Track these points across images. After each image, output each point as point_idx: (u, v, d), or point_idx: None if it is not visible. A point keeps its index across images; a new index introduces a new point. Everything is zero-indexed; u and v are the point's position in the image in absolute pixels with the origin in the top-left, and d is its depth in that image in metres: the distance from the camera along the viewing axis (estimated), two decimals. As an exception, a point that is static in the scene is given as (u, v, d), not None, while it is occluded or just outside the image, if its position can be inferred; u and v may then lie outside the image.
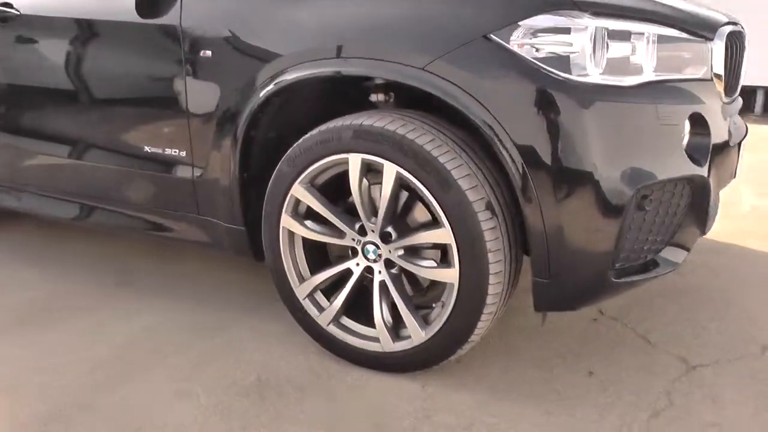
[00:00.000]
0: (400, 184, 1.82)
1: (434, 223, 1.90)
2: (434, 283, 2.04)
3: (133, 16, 2.15)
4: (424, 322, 1.90)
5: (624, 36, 1.70)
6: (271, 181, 2.02)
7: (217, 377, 2.03)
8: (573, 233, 1.68)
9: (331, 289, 2.08)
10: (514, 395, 1.90)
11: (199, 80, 2.08)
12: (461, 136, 1.83)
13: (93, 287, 2.69)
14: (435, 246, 1.92)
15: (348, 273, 2.01)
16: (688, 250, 1.96)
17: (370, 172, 1.90)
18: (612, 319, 2.32)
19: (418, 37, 1.75)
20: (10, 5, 2.52)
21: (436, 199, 1.75)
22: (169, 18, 2.11)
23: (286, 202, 1.99)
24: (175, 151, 2.22)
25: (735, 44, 2.06)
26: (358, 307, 2.04)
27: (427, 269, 1.86)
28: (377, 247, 1.92)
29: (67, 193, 2.66)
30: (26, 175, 2.74)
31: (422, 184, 1.76)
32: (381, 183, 1.83)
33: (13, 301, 2.57)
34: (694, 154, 1.82)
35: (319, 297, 2.08)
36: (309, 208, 2.02)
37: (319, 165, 1.91)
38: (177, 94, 2.14)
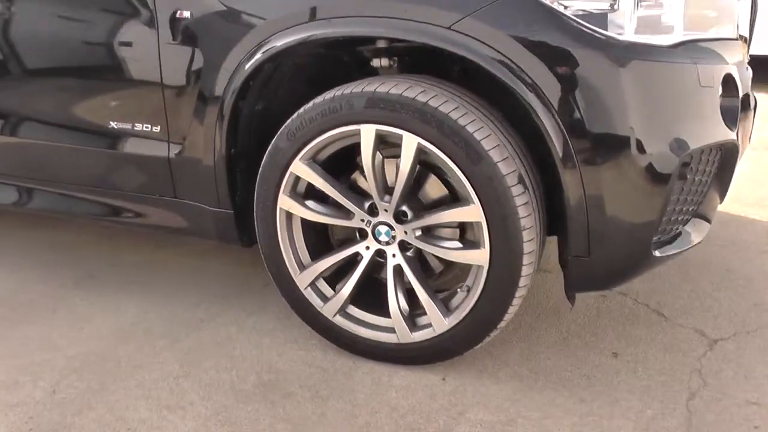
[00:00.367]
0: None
1: (453, 200, 1.74)
2: (448, 267, 1.88)
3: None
4: (446, 308, 1.74)
5: None
6: (265, 157, 1.79)
7: (212, 380, 1.80)
8: (617, 204, 1.54)
9: (333, 276, 1.88)
10: (541, 383, 1.77)
11: (176, 45, 1.81)
12: (483, 103, 1.66)
13: (47, 286, 2.39)
14: (449, 225, 1.76)
15: (355, 258, 1.82)
16: (709, 222, 1.87)
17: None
18: (621, 295, 2.22)
19: None
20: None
21: (464, 173, 1.57)
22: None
23: (284, 181, 1.77)
24: (146, 127, 1.94)
25: (754, 4, 1.97)
26: (365, 295, 1.86)
27: (452, 251, 1.68)
28: (390, 228, 1.73)
29: (6, 176, 2.33)
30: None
31: (448, 156, 1.57)
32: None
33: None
34: (726, 118, 1.71)
35: (323, 286, 1.88)
36: (309, 187, 1.80)
37: (324, 138, 1.69)
38: (148, 61, 1.86)
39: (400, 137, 1.61)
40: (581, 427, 1.59)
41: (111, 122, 1.98)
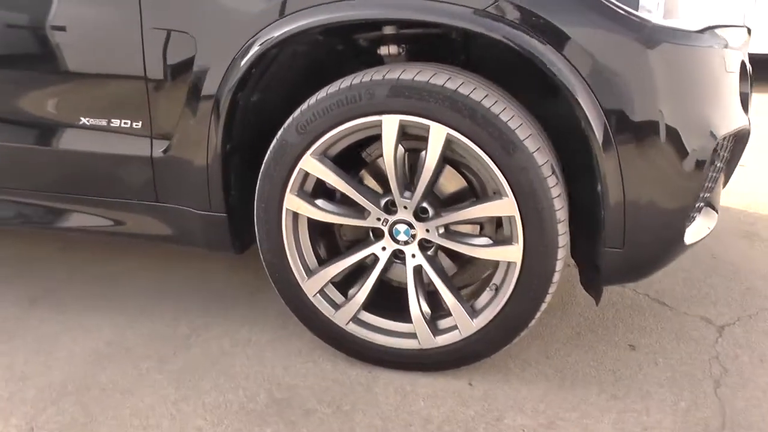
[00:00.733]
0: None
1: (472, 193, 1.67)
2: (462, 267, 1.79)
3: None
4: (472, 309, 1.64)
5: None
6: (269, 153, 1.63)
7: (217, 402, 1.63)
8: (654, 191, 1.49)
9: (342, 282, 1.74)
10: (569, 382, 1.70)
11: (164, 29, 1.62)
12: (505, 92, 1.57)
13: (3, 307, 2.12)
14: (470, 221, 1.66)
15: (365, 260, 1.69)
16: (717, 210, 1.87)
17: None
18: (620, 286, 2.20)
19: None
20: None
21: (497, 165, 1.48)
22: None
23: (292, 179, 1.62)
24: (125, 122, 1.73)
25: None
26: (375, 300, 1.73)
27: (481, 248, 1.58)
28: (410, 226, 1.62)
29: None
30: None
31: (480, 147, 1.48)
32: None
33: None
34: (743, 103, 1.71)
35: (332, 292, 1.74)
36: (316, 186, 1.66)
37: (340, 131, 1.55)
38: (128, 46, 1.65)
39: (426, 128, 1.50)
40: (622, 425, 1.54)
41: (81, 118, 1.75)
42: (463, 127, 1.47)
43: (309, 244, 1.72)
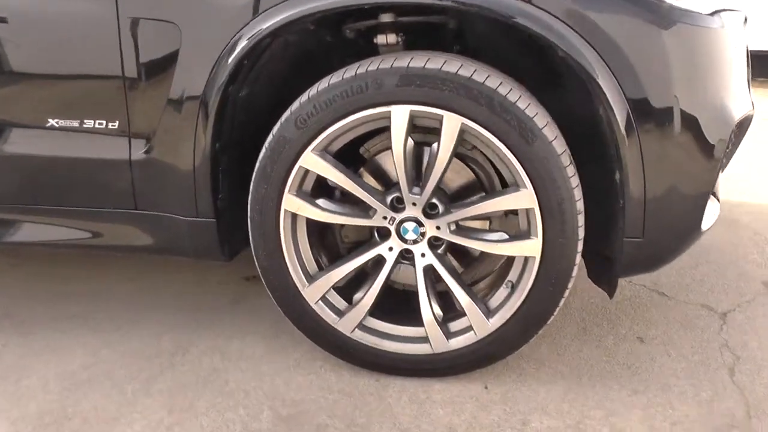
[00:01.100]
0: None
1: (480, 186, 1.59)
2: (469, 265, 1.71)
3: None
4: (486, 309, 1.55)
5: None
6: (265, 150, 1.50)
7: (216, 423, 1.49)
8: (675, 178, 1.44)
9: (344, 287, 1.63)
10: (586, 379, 1.64)
11: (144, 18, 1.47)
12: (514, 80, 1.50)
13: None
14: (479, 217, 1.58)
15: (374, 262, 1.59)
16: (718, 198, 1.85)
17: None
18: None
19: None
20: None
21: (516, 155, 1.40)
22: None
23: (291, 178, 1.50)
24: (100, 123, 1.57)
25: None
26: (380, 304, 1.63)
27: (497, 244, 1.50)
28: (419, 224, 1.52)
29: None
30: None
31: (497, 137, 1.39)
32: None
33: None
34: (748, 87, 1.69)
35: (334, 298, 1.62)
36: (315, 184, 1.54)
37: (344, 124, 1.45)
38: (103, 38, 1.50)
39: (438, 119, 1.41)
40: (650, 421, 1.48)
41: (50, 119, 1.58)
42: (480, 116, 1.38)
43: (308, 247, 1.60)
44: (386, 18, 1.57)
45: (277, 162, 1.49)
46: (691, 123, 1.41)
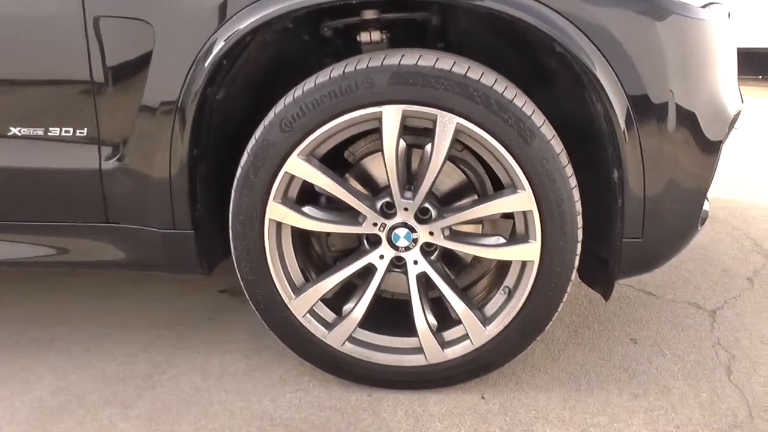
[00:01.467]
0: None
1: (471, 188, 1.54)
2: (462, 271, 1.65)
3: None
4: (483, 316, 1.50)
5: None
6: (247, 156, 1.41)
7: (204, 451, 1.39)
8: (674, 175, 1.41)
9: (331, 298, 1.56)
10: (585, 384, 1.59)
11: (113, 17, 1.37)
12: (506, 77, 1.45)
13: None
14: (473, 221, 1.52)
15: (362, 271, 1.51)
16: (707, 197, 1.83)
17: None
18: (601, 278, 2.13)
19: None
20: None
21: (513, 155, 1.34)
22: None
23: (275, 184, 1.41)
24: (67, 131, 1.46)
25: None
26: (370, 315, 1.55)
27: (494, 248, 1.44)
28: (411, 230, 1.45)
29: None
30: None
31: (494, 136, 1.34)
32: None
33: None
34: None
35: (323, 310, 1.54)
36: (301, 191, 1.46)
37: (332, 126, 1.37)
38: (68, 39, 1.39)
39: (432, 118, 1.34)
40: (654, 425, 1.44)
41: (12, 128, 1.46)
42: (476, 115, 1.33)
43: (294, 258, 1.52)
44: (370, 15, 1.50)
45: (261, 168, 1.40)
46: (689, 118, 1.38)
